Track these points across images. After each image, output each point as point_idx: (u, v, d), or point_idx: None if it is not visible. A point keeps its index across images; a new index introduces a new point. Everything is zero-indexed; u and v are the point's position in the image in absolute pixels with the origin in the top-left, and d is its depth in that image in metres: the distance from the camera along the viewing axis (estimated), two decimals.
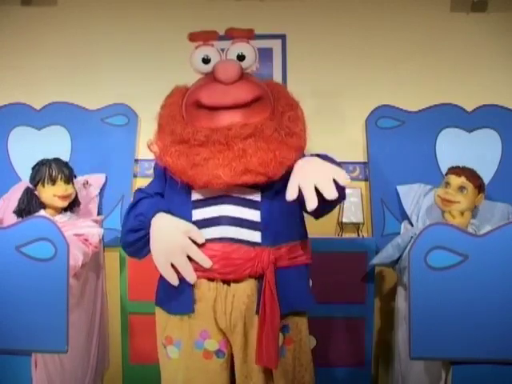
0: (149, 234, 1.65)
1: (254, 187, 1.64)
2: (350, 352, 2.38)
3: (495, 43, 2.56)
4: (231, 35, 1.75)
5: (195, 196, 1.68)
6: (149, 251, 1.66)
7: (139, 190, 1.86)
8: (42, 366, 1.83)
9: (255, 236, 1.64)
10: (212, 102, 1.63)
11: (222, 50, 1.75)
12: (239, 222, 1.64)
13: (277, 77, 2.58)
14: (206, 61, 1.73)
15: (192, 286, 1.65)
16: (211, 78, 1.67)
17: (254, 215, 1.65)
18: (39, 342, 1.58)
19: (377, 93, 2.57)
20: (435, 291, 1.53)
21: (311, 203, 1.47)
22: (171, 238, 1.61)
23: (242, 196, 1.65)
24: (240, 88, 1.63)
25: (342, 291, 2.35)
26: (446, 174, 2.23)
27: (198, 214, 1.67)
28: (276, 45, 2.60)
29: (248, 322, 1.67)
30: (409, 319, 1.56)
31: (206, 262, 1.59)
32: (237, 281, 1.66)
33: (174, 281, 1.61)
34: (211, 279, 1.66)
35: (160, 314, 1.77)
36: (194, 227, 1.62)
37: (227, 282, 1.66)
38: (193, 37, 1.78)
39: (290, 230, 1.70)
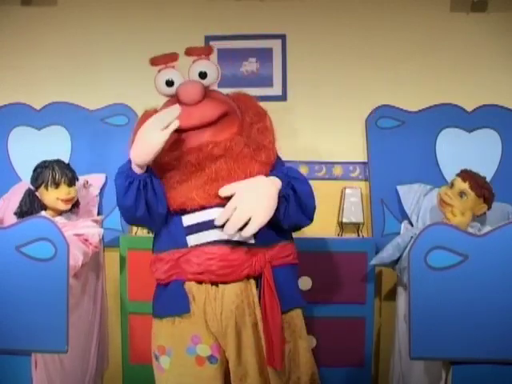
0: (135, 180, 1.65)
1: None
2: (350, 352, 2.38)
3: (495, 43, 2.56)
4: (190, 54, 1.80)
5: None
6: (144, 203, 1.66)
7: None
8: (42, 366, 1.83)
9: (249, 237, 1.64)
10: (182, 124, 1.63)
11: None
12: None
13: (277, 77, 2.59)
14: (169, 83, 1.76)
15: (184, 289, 1.66)
16: (176, 100, 1.70)
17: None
18: (39, 341, 1.58)
19: (377, 93, 2.57)
20: (435, 291, 1.52)
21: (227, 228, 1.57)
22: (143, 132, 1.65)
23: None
24: (204, 107, 1.66)
25: (342, 291, 2.35)
26: (456, 175, 2.21)
27: (188, 219, 1.67)
28: (276, 45, 2.61)
29: (239, 321, 1.66)
30: (409, 319, 1.56)
31: (176, 109, 1.60)
32: (226, 282, 1.67)
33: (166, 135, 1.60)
34: (199, 282, 1.67)
35: (155, 324, 1.76)
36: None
37: (215, 284, 1.67)
38: (154, 61, 1.81)
39: (279, 231, 1.72)
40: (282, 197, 1.61)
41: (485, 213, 2.21)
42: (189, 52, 1.79)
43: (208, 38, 2.60)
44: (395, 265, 2.22)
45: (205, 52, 1.80)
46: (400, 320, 2.24)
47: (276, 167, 1.72)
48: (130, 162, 1.68)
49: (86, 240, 2.19)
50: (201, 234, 1.67)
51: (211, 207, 1.64)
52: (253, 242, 1.65)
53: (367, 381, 2.41)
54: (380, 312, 2.57)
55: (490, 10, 2.56)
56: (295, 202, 1.65)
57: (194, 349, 1.68)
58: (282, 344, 1.64)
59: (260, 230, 1.63)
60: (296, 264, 1.78)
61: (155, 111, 1.76)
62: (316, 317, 2.33)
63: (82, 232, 2.19)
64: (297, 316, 1.75)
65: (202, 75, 1.75)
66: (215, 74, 1.76)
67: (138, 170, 1.65)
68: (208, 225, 1.66)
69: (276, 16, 2.60)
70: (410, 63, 2.58)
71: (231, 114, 1.70)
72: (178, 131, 1.65)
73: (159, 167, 1.67)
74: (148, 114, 1.76)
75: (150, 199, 1.65)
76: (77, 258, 2.03)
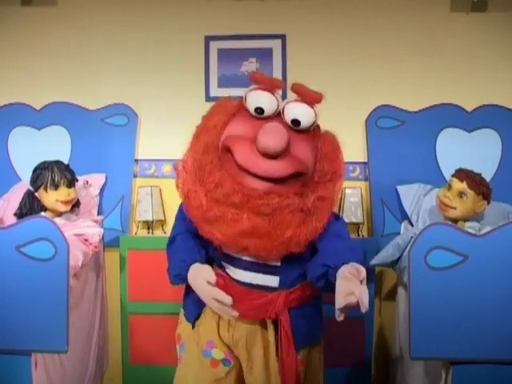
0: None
1: None
2: (350, 352, 2.38)
3: (495, 43, 2.55)
4: (297, 91, 1.60)
5: None
6: None
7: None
8: (42, 366, 1.83)
9: (273, 281, 1.63)
10: (243, 165, 1.50)
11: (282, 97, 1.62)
12: (259, 268, 1.62)
13: (277, 77, 2.58)
14: (259, 111, 1.58)
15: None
16: (254, 137, 1.51)
17: (275, 261, 1.62)
18: (39, 342, 1.59)
19: (377, 93, 2.57)
20: (435, 291, 1.53)
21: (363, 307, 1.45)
22: (199, 287, 1.54)
23: None
24: (278, 164, 1.50)
25: None
26: (452, 176, 2.22)
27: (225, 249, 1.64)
28: (276, 45, 2.60)
29: (250, 341, 1.67)
30: (409, 319, 1.56)
31: (227, 300, 1.47)
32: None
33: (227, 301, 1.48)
34: None
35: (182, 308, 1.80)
36: (207, 271, 1.53)
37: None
38: (256, 79, 1.62)
39: (304, 271, 1.65)
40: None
41: (484, 208, 2.21)
42: (296, 88, 1.60)
43: (208, 38, 2.60)
44: (395, 265, 2.22)
45: (313, 99, 1.62)
46: (400, 320, 2.24)
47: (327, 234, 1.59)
48: (188, 257, 1.60)
49: (86, 240, 2.18)
50: (231, 267, 1.65)
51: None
52: (276, 286, 1.63)
53: (367, 381, 2.41)
54: (380, 312, 2.57)
55: (490, 10, 2.56)
56: None
57: (209, 351, 1.70)
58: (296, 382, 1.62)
59: (284, 274, 1.61)
60: (318, 297, 1.76)
61: (232, 108, 1.63)
62: None
63: (82, 232, 2.19)
64: (314, 351, 1.77)
65: (295, 123, 1.58)
66: (310, 123, 1.60)
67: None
68: (238, 262, 1.62)
69: (276, 16, 2.60)
70: (410, 63, 2.57)
71: (303, 174, 1.55)
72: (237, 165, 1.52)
73: (206, 189, 1.54)
74: (224, 105, 1.65)
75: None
76: (77, 258, 2.03)
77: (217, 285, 1.50)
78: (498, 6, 2.55)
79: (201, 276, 1.51)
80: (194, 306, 1.69)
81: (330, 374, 2.37)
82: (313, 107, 1.61)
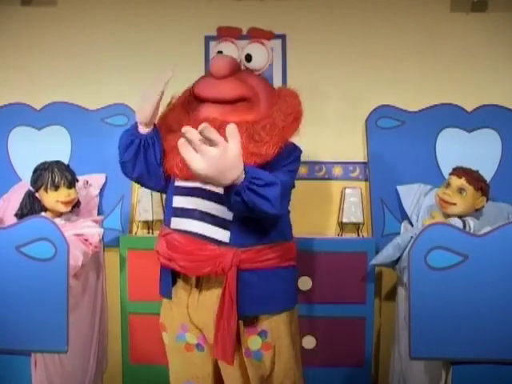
0: (136, 138, 1.70)
1: None
2: (350, 352, 2.38)
3: (495, 43, 2.55)
4: (250, 34, 1.82)
5: (177, 182, 1.72)
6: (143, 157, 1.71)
7: None
8: (42, 366, 1.83)
9: (223, 235, 1.64)
10: (198, 93, 1.69)
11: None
12: (209, 219, 1.65)
13: (277, 77, 2.58)
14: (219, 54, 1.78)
15: (170, 275, 1.72)
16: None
17: (227, 214, 1.63)
18: (39, 341, 1.58)
19: (377, 93, 2.57)
20: (435, 291, 1.52)
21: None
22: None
23: (217, 191, 1.61)
24: (225, 85, 1.65)
25: (342, 291, 2.35)
26: (450, 174, 2.23)
27: (177, 201, 1.70)
28: (276, 45, 2.60)
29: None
30: (409, 319, 1.56)
31: (169, 69, 1.62)
32: (209, 279, 1.68)
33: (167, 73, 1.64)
34: (187, 276, 1.70)
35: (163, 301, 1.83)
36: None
37: (199, 281, 1.70)
38: (219, 31, 1.85)
39: (263, 232, 1.67)
40: (236, 192, 1.41)
41: (483, 206, 2.22)
42: (249, 32, 1.82)
43: (208, 38, 2.60)
44: (395, 265, 2.22)
45: (264, 35, 1.82)
46: (400, 320, 2.24)
47: (272, 163, 1.62)
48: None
49: (86, 240, 2.19)
50: (181, 219, 1.68)
51: (198, 195, 1.64)
52: (227, 241, 1.63)
53: (367, 381, 2.41)
54: (380, 312, 2.57)
55: (490, 10, 2.56)
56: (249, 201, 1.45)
57: (183, 336, 1.74)
58: (233, 343, 1.62)
59: (235, 230, 1.62)
60: (287, 267, 1.74)
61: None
62: (316, 317, 2.33)
63: (82, 232, 2.19)
64: (280, 321, 1.73)
65: (248, 58, 1.76)
66: (262, 60, 1.78)
67: (142, 130, 1.68)
68: (188, 213, 1.67)
69: (276, 16, 2.59)
70: (410, 63, 2.57)
71: (252, 101, 1.67)
72: (199, 100, 1.68)
73: (166, 128, 1.71)
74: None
75: (150, 159, 1.69)
76: (77, 257, 2.03)
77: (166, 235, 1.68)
78: (498, 5, 2.55)
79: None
80: (165, 274, 1.74)
81: (330, 374, 2.38)
82: (264, 44, 1.79)
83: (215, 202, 1.64)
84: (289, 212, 1.82)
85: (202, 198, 1.65)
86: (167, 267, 1.72)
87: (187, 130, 1.24)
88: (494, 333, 1.52)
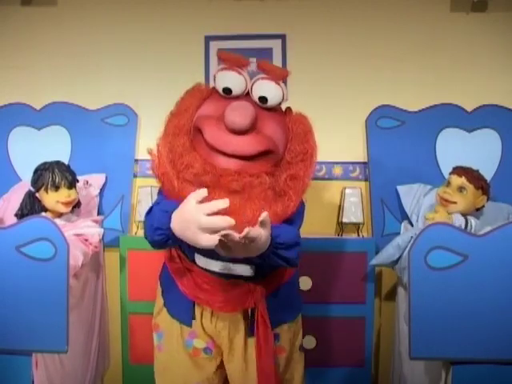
0: (173, 237, 1.46)
1: None
2: (350, 352, 2.38)
3: (495, 43, 2.55)
4: (262, 69, 1.58)
5: None
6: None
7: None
8: (43, 366, 1.83)
9: (248, 270, 1.62)
10: (212, 143, 1.50)
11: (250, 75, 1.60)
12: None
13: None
14: (227, 91, 1.58)
15: (191, 304, 1.67)
16: (223, 114, 1.51)
17: None
18: (39, 341, 1.58)
19: (377, 93, 2.57)
20: (435, 291, 1.52)
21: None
22: (185, 214, 1.36)
23: None
24: (245, 141, 1.49)
25: (342, 291, 2.35)
26: (450, 173, 2.23)
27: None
28: (276, 45, 2.60)
29: (232, 332, 1.69)
30: (409, 319, 1.56)
31: (223, 202, 1.32)
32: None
33: (215, 241, 1.32)
34: None
35: (159, 298, 1.80)
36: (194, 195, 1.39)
37: None
38: (223, 57, 1.61)
39: None
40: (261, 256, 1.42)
41: (484, 205, 2.21)
42: (261, 66, 1.58)
43: (208, 38, 2.60)
44: (395, 265, 2.22)
45: (278, 75, 1.57)
46: (400, 320, 2.24)
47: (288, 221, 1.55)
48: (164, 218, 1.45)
49: (86, 240, 2.19)
50: (204, 258, 1.63)
51: None
52: (251, 275, 1.62)
53: (367, 381, 2.41)
54: (380, 312, 2.57)
55: (490, 10, 2.56)
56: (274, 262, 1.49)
57: (191, 342, 1.72)
58: (276, 375, 1.63)
59: (259, 264, 1.58)
60: (292, 274, 1.75)
61: (206, 90, 1.63)
62: (316, 317, 2.33)
63: (82, 232, 2.19)
64: (294, 324, 1.76)
65: (263, 100, 1.56)
66: (278, 100, 1.58)
67: None
68: (211, 252, 1.50)
69: (276, 16, 2.60)
70: (410, 63, 2.57)
71: (272, 152, 1.53)
72: (207, 145, 1.51)
73: (177, 171, 1.51)
74: (198, 91, 1.63)
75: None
76: (77, 257, 2.03)
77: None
78: (498, 5, 2.55)
79: (188, 201, 1.36)
80: (186, 303, 1.68)
81: (330, 374, 2.38)
82: (279, 84, 1.57)
83: None
84: None
85: None
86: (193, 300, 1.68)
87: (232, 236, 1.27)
88: (493, 333, 1.52)
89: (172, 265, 1.74)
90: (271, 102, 1.56)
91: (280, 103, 1.60)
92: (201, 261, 1.64)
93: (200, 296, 1.65)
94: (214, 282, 1.63)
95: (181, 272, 1.69)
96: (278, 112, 1.63)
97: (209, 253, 1.55)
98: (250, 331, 1.67)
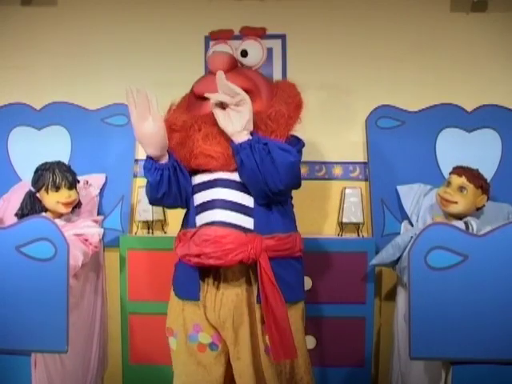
0: (164, 170, 1.68)
1: None
2: (350, 352, 2.38)
3: (495, 43, 2.55)
4: (242, 33, 1.85)
5: (194, 181, 1.74)
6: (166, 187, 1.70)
7: None
8: (42, 366, 1.83)
9: (248, 222, 1.66)
10: (198, 91, 1.71)
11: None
12: (232, 206, 1.67)
13: (277, 77, 2.58)
14: None
15: (197, 276, 1.70)
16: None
17: (248, 201, 1.68)
18: (39, 342, 1.59)
19: (377, 93, 2.57)
20: (435, 291, 1.53)
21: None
22: (135, 132, 1.65)
23: (237, 180, 1.68)
24: (226, 77, 1.64)
25: (342, 291, 2.35)
26: (450, 173, 2.23)
27: (198, 198, 1.72)
28: (276, 45, 2.60)
29: (237, 320, 1.69)
30: (409, 319, 1.56)
31: (143, 94, 1.61)
32: (227, 277, 1.69)
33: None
34: (201, 268, 1.69)
35: (170, 300, 1.83)
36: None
37: (218, 279, 1.70)
38: (212, 35, 1.89)
39: (282, 222, 1.72)
40: (249, 146, 1.61)
41: (484, 205, 2.22)
42: (241, 31, 1.85)
43: (208, 38, 2.58)
44: (395, 265, 2.22)
45: (254, 32, 1.83)
46: (400, 320, 2.24)
47: None
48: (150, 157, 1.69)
49: (86, 240, 2.19)
50: (205, 213, 1.69)
51: (217, 185, 1.68)
52: (251, 227, 1.66)
53: (367, 381, 2.41)
54: (380, 312, 2.57)
55: (490, 10, 2.56)
56: (263, 160, 1.61)
57: (196, 336, 1.73)
58: (290, 333, 1.63)
59: (258, 217, 1.66)
60: (298, 257, 1.77)
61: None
62: (316, 317, 2.33)
63: (82, 232, 2.19)
64: (297, 314, 1.75)
65: (243, 53, 1.79)
66: (258, 55, 1.81)
67: (163, 160, 1.67)
68: (211, 204, 1.68)
69: (276, 16, 2.60)
70: (410, 63, 2.57)
71: (253, 93, 1.69)
72: (200, 98, 1.70)
73: (168, 129, 1.68)
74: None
75: (182, 181, 1.71)
76: (77, 257, 2.03)
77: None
78: (498, 6, 2.55)
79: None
80: (192, 276, 1.72)
81: (330, 374, 2.38)
82: (257, 40, 1.83)
83: (235, 189, 1.68)
84: (292, 206, 1.84)
85: (222, 187, 1.68)
86: (198, 265, 1.69)
87: (211, 96, 1.60)
88: (494, 333, 1.52)
89: (178, 245, 1.76)
90: (251, 53, 1.80)
91: (260, 58, 1.81)
92: (201, 218, 1.69)
93: (202, 251, 1.64)
94: (212, 231, 1.65)
95: (185, 247, 1.71)
96: (263, 74, 1.83)
97: (206, 206, 1.69)
98: (257, 299, 1.68)
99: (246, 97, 1.61)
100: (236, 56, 1.80)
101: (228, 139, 1.64)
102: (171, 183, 1.69)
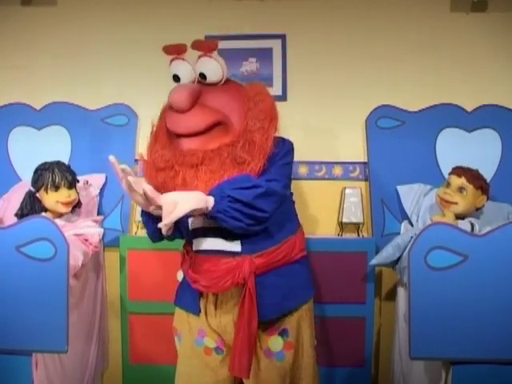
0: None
1: None
2: (350, 352, 2.38)
3: (495, 43, 2.55)
4: (195, 48, 1.74)
5: None
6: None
7: None
8: (42, 366, 1.83)
9: (235, 246, 1.66)
10: (170, 128, 1.66)
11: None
12: (218, 233, 1.65)
13: (277, 77, 2.59)
14: (176, 78, 1.74)
15: (198, 295, 1.73)
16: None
17: None
18: (39, 341, 1.59)
19: (377, 93, 2.57)
20: (435, 291, 1.53)
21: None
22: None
23: None
24: (191, 117, 1.61)
25: (342, 291, 2.35)
26: (449, 174, 2.23)
27: (191, 223, 1.73)
28: (276, 45, 2.60)
29: (238, 325, 1.68)
30: (409, 319, 1.56)
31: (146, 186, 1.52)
32: (224, 298, 1.71)
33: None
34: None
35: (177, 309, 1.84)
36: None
37: (216, 298, 1.72)
38: (165, 50, 1.79)
39: (272, 231, 1.69)
40: (218, 212, 1.54)
41: (483, 205, 2.21)
42: (193, 45, 1.74)
43: (208, 38, 2.59)
44: (395, 265, 2.22)
45: (207, 48, 1.71)
46: (400, 320, 2.24)
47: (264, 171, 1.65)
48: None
49: (86, 240, 2.19)
50: (198, 240, 1.70)
51: (196, 215, 1.64)
52: (239, 250, 1.65)
53: (367, 381, 2.41)
54: (380, 312, 2.57)
55: (490, 10, 2.56)
56: (240, 208, 1.56)
57: (201, 341, 1.74)
58: (250, 356, 1.63)
59: (244, 238, 1.64)
60: (295, 260, 1.75)
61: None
62: (316, 317, 2.32)
63: (82, 232, 2.19)
64: (300, 316, 1.76)
65: (202, 76, 1.70)
66: (216, 73, 1.69)
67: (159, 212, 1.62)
68: (201, 232, 1.70)
69: (276, 16, 2.60)
70: (410, 63, 2.57)
71: (224, 123, 1.64)
72: (177, 135, 1.65)
73: (154, 167, 1.67)
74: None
75: (182, 224, 1.71)
76: (77, 257, 2.03)
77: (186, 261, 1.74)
78: (498, 6, 2.55)
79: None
80: (192, 291, 1.73)
81: (330, 374, 2.38)
82: (214, 58, 1.70)
83: None
84: (293, 202, 1.85)
85: (205, 215, 1.64)
86: (193, 287, 1.72)
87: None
88: (493, 333, 1.52)
89: (183, 262, 1.80)
90: (210, 76, 1.69)
91: (220, 75, 1.70)
92: (195, 244, 1.70)
93: (199, 280, 1.67)
94: (207, 260, 1.66)
95: (187, 265, 1.75)
96: (234, 86, 1.74)
97: (199, 233, 1.70)
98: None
99: (171, 203, 1.50)
100: (196, 76, 1.73)
101: (205, 181, 1.60)
102: (174, 230, 1.69)
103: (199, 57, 1.71)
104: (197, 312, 1.73)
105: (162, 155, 1.66)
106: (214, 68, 1.70)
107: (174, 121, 1.64)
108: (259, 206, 1.56)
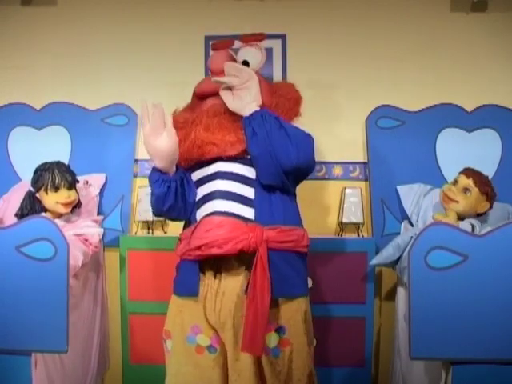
0: (171, 182, 1.71)
1: (249, 165, 1.70)
2: (350, 352, 2.38)
3: (495, 43, 2.56)
4: (243, 41, 1.88)
5: (195, 177, 1.77)
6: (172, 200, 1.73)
7: None
8: (42, 366, 1.83)
9: (248, 212, 1.67)
10: (199, 90, 1.80)
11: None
12: (232, 196, 1.68)
13: (277, 77, 2.59)
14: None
15: (197, 269, 1.70)
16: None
17: (249, 192, 1.70)
18: (39, 341, 1.58)
19: (377, 93, 2.57)
20: (435, 291, 1.52)
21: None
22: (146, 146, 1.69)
23: (237, 172, 1.70)
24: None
25: (342, 291, 2.35)
26: (459, 173, 2.22)
27: (199, 192, 1.75)
28: (276, 45, 2.60)
29: (237, 321, 1.68)
30: (409, 319, 1.56)
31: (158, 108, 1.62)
32: (226, 273, 1.68)
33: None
34: (202, 262, 1.69)
35: (169, 304, 1.81)
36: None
37: (218, 277, 1.69)
38: (214, 46, 1.89)
39: (283, 214, 1.72)
40: (261, 117, 1.64)
41: (485, 212, 2.21)
42: (241, 38, 1.88)
43: (208, 38, 2.59)
44: (395, 265, 2.22)
45: (252, 39, 1.86)
46: (400, 320, 2.24)
47: None
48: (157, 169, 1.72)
49: (86, 240, 2.19)
50: (205, 205, 1.71)
51: (216, 178, 1.70)
52: (252, 218, 1.67)
53: (367, 381, 2.41)
54: (380, 312, 2.57)
55: (490, 10, 2.56)
56: (275, 131, 1.64)
57: (193, 338, 1.72)
58: (263, 329, 1.61)
59: (259, 207, 1.67)
60: (302, 253, 1.76)
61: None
62: (316, 317, 2.32)
63: (82, 232, 2.19)
64: (297, 313, 1.74)
65: (244, 63, 1.81)
66: (257, 61, 1.84)
67: (171, 172, 1.71)
68: (211, 196, 1.70)
69: (276, 16, 2.60)
70: (410, 63, 2.57)
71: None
72: (201, 98, 1.78)
73: (176, 126, 1.71)
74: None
75: (188, 196, 1.73)
76: (77, 257, 2.03)
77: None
78: (498, 5, 2.55)
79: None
80: (190, 271, 1.71)
81: (330, 374, 2.38)
82: (257, 47, 1.86)
83: (235, 181, 1.70)
84: (296, 204, 1.86)
85: (221, 179, 1.70)
86: (198, 259, 1.69)
87: (219, 79, 1.66)
88: (493, 333, 1.52)
89: (179, 246, 1.77)
90: (252, 62, 1.82)
91: (259, 63, 1.85)
92: (203, 211, 1.70)
93: (205, 241, 1.64)
94: (216, 221, 1.66)
95: (185, 244, 1.72)
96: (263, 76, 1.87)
97: (206, 199, 1.71)
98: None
99: (252, 72, 1.67)
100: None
101: (229, 127, 1.68)
102: (178, 195, 1.71)
103: (242, 46, 1.86)
104: (195, 292, 1.68)
105: (181, 115, 1.78)
106: (256, 55, 1.85)
107: (207, 81, 1.77)
108: (297, 146, 1.65)
